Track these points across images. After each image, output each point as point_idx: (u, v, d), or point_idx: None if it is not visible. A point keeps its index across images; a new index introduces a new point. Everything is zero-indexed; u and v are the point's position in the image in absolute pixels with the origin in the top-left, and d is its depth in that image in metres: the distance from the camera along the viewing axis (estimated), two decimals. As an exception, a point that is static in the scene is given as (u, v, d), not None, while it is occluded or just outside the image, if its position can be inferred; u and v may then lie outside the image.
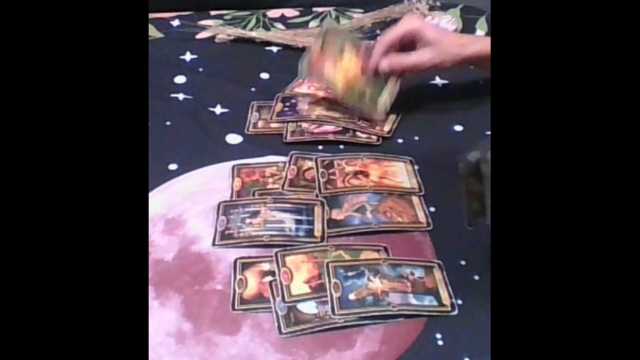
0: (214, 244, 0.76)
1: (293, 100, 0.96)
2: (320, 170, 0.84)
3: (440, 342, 0.66)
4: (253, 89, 0.99)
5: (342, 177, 0.83)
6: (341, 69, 0.92)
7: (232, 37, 1.10)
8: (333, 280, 0.70)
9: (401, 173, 0.84)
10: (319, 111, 0.94)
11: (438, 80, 1.01)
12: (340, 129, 0.91)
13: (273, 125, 0.92)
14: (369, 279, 0.70)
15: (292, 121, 0.92)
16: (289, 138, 0.90)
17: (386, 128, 0.91)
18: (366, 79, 0.92)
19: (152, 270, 0.73)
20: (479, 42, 0.90)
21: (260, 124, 0.93)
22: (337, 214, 0.79)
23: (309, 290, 0.70)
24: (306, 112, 0.93)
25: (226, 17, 1.15)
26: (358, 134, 0.91)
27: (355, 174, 0.84)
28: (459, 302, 0.69)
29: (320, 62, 0.91)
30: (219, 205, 0.80)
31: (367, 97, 0.91)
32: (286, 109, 0.94)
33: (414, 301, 0.69)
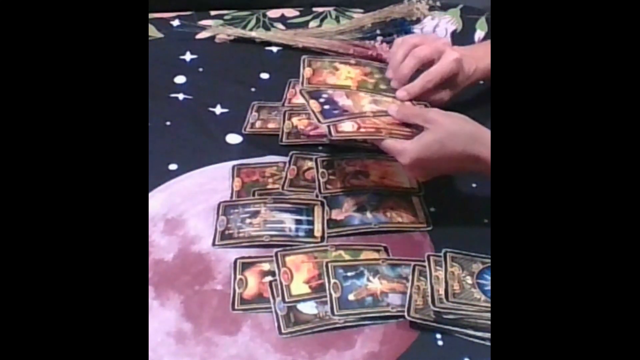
0: (214, 244, 0.76)
1: (326, 95, 0.80)
2: (320, 170, 0.84)
3: (440, 342, 0.66)
4: (253, 89, 0.99)
5: (342, 177, 0.83)
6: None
7: (232, 37, 1.10)
8: (332, 281, 0.70)
9: (401, 173, 0.84)
10: (364, 103, 0.80)
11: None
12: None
13: (270, 125, 0.92)
14: (368, 280, 0.70)
15: (347, 119, 0.77)
16: (285, 140, 0.90)
17: None
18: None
19: (152, 270, 0.73)
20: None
21: (258, 124, 0.93)
22: (337, 214, 0.79)
23: (309, 291, 0.70)
24: (354, 108, 0.79)
25: (226, 17, 1.14)
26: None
27: (355, 174, 0.84)
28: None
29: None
30: (219, 205, 0.80)
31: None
32: (327, 106, 0.79)
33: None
